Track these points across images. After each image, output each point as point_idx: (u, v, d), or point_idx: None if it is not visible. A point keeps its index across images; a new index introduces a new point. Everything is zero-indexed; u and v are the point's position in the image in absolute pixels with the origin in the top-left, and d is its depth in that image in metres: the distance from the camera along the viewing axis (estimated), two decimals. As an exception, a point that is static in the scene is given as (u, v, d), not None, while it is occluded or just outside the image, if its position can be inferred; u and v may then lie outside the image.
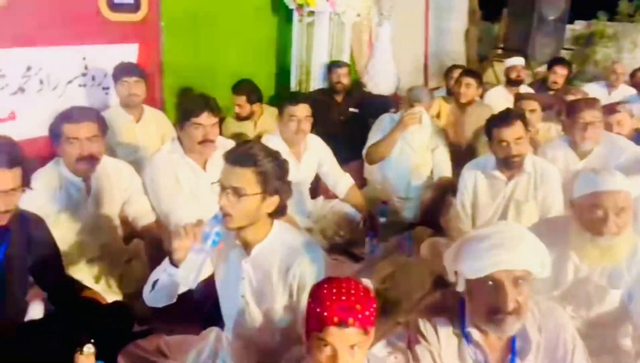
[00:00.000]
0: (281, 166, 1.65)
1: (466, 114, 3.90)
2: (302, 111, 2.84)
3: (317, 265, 1.69)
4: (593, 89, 4.81)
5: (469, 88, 3.84)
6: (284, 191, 1.66)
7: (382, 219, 3.15)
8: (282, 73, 4.81)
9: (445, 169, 3.40)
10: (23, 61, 3.02)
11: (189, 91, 4.02)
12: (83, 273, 2.25)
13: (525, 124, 2.56)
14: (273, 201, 1.64)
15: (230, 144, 2.66)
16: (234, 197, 1.57)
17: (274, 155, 1.65)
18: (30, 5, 2.94)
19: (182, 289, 1.70)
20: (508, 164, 2.55)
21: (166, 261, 1.60)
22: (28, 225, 1.82)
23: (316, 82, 4.66)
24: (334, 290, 1.34)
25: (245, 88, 3.79)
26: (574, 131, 2.79)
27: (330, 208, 3.11)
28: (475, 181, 2.64)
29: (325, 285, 1.36)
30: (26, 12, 2.91)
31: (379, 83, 5.53)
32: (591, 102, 2.87)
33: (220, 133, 2.77)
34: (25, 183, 1.68)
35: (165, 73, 3.80)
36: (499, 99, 4.49)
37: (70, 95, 3.27)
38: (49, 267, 1.90)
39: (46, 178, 2.20)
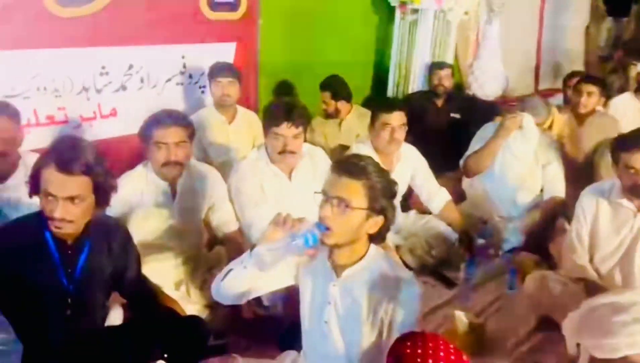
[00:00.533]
0: (390, 185, 1.51)
1: (585, 126, 3.44)
2: (397, 119, 2.62)
3: (413, 305, 1.51)
4: None
5: (590, 97, 3.38)
6: (390, 213, 1.51)
7: (481, 241, 2.86)
8: (380, 73, 4.61)
9: (558, 189, 3.02)
10: (125, 59, 3.09)
11: (283, 91, 3.97)
12: (164, 278, 2.22)
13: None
14: (377, 222, 1.49)
15: (319, 152, 2.54)
16: (338, 208, 1.44)
17: (384, 173, 1.52)
18: (134, 4, 3.00)
19: (253, 293, 1.60)
20: (637, 193, 2.16)
21: (247, 253, 1.51)
22: (110, 232, 1.80)
23: (415, 84, 4.41)
24: (419, 350, 1.14)
25: (331, 84, 3.64)
26: None
27: (423, 225, 2.88)
28: (597, 209, 2.27)
29: (409, 344, 1.17)
30: (130, 12, 2.97)
31: (484, 85, 5.15)
32: None
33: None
34: (100, 191, 1.62)
35: (261, 73, 3.76)
36: (627, 109, 3.94)
37: (168, 93, 3.32)
38: (128, 274, 1.87)
39: (134, 181, 2.20)
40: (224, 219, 2.37)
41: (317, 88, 3.72)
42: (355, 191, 1.44)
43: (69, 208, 1.55)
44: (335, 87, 3.61)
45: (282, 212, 1.49)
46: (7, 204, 2.07)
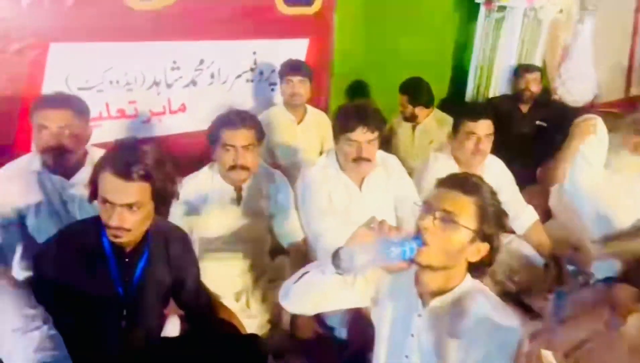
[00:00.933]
0: (501, 214, 1.35)
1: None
2: (484, 128, 2.36)
3: (509, 351, 1.29)
4: None
5: None
6: (496, 243, 1.34)
7: (571, 268, 2.55)
8: (458, 75, 4.32)
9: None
10: (197, 54, 3.01)
11: (357, 92, 3.78)
12: (225, 287, 2.11)
13: None
14: (480, 249, 1.31)
15: (392, 161, 2.33)
16: (442, 223, 1.27)
17: (497, 198, 1.35)
18: (209, -1, 2.92)
19: (324, 305, 1.43)
20: None
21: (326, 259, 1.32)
22: (170, 240, 1.69)
23: (497, 88, 4.08)
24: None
25: (410, 88, 3.39)
26: None
27: (505, 246, 2.59)
28: None
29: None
30: (202, 6, 2.88)
31: (572, 90, 4.72)
32: None
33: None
34: (159, 198, 1.51)
35: (334, 71, 3.59)
36: None
37: (238, 90, 3.22)
38: (187, 285, 1.76)
39: (199, 183, 2.09)
40: (288, 228, 2.22)
41: (392, 89, 3.50)
42: (465, 207, 1.28)
43: (126, 215, 1.45)
44: (414, 91, 3.37)
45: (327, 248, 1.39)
46: (72, 201, 2.01)
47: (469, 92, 4.15)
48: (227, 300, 2.08)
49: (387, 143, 3.52)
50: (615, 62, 5.62)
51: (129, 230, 1.48)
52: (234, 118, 2.02)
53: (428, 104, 3.39)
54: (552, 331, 2.24)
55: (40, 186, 1.97)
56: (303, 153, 3.11)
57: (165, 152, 1.53)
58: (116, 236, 1.49)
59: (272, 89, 3.37)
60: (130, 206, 1.45)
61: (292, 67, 3.02)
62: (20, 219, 1.97)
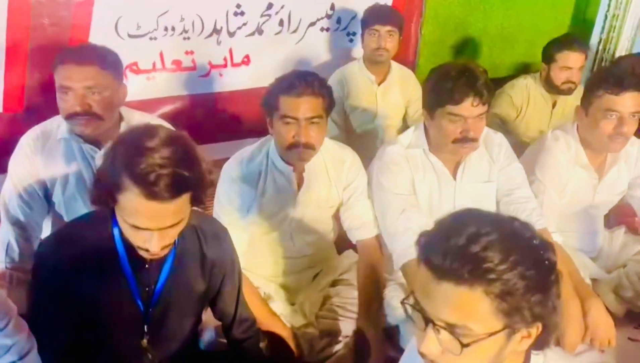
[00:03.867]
0: (545, 267, 0.81)
1: None
2: (630, 103, 1.74)
3: None
4: None
5: None
6: (551, 312, 0.83)
7: None
8: (579, 27, 3.54)
9: None
10: (265, -4, 2.57)
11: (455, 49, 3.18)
12: (273, 290, 1.75)
13: None
14: (528, 334, 0.83)
15: (498, 140, 1.81)
16: (449, 342, 0.82)
17: (531, 245, 0.80)
18: None
19: None
20: None
21: None
22: (203, 237, 1.32)
23: (631, 44, 3.29)
24: None
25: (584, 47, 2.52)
26: None
27: (637, 254, 2.02)
28: None
29: None
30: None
31: None
32: None
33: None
34: (196, 201, 1.13)
35: (425, 20, 3.00)
36: None
37: (310, 40, 2.75)
38: (225, 294, 1.41)
39: (247, 163, 1.69)
40: (358, 222, 1.78)
41: (497, 46, 2.87)
42: (474, 308, 0.77)
43: (166, 236, 1.14)
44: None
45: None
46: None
47: (592, 49, 3.40)
48: (277, 304, 1.71)
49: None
50: None
51: (168, 246, 1.16)
52: (297, 82, 1.57)
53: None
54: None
55: (67, 156, 1.66)
56: (383, 119, 2.63)
57: (183, 137, 1.12)
58: (153, 256, 1.16)
59: (351, 40, 2.87)
60: (172, 226, 1.11)
61: (380, 15, 2.49)
62: (46, 194, 1.68)
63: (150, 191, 1.03)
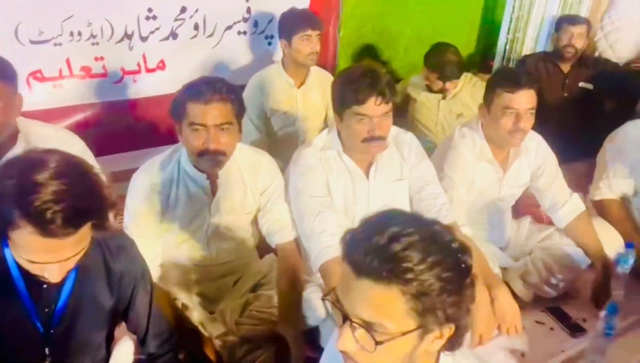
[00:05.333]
0: (461, 270, 0.82)
1: None
2: (525, 100, 1.86)
3: None
4: None
5: None
6: (464, 314, 0.85)
7: (624, 269, 2.11)
8: (488, 28, 3.73)
9: None
10: (178, 0, 2.52)
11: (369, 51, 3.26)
12: (190, 300, 1.73)
13: None
14: (441, 334, 0.85)
15: (408, 139, 1.87)
16: (364, 339, 0.84)
17: (448, 247, 0.82)
18: None
19: None
20: None
21: None
22: (108, 251, 1.27)
23: (534, 43, 3.51)
24: None
25: (437, 64, 2.83)
26: None
27: (542, 241, 2.15)
28: None
29: None
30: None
31: (617, 44, 4.12)
32: None
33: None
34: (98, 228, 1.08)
35: (343, 22, 3.05)
36: None
37: (228, 44, 2.73)
38: (135, 306, 1.36)
39: (158, 174, 1.65)
40: (276, 226, 1.79)
41: (411, 44, 2.99)
42: (390, 307, 0.79)
43: (63, 267, 1.08)
44: (444, 68, 2.81)
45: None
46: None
47: (500, 48, 3.59)
48: (196, 312, 1.69)
49: (400, 115, 3.04)
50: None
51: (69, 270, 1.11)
52: (205, 89, 1.55)
53: (460, 75, 2.87)
54: (599, 350, 1.82)
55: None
56: (304, 121, 2.65)
57: (78, 164, 1.06)
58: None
59: (270, 43, 2.88)
60: (73, 256, 1.05)
61: (310, 20, 2.50)
62: None
63: (46, 228, 0.96)
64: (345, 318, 0.82)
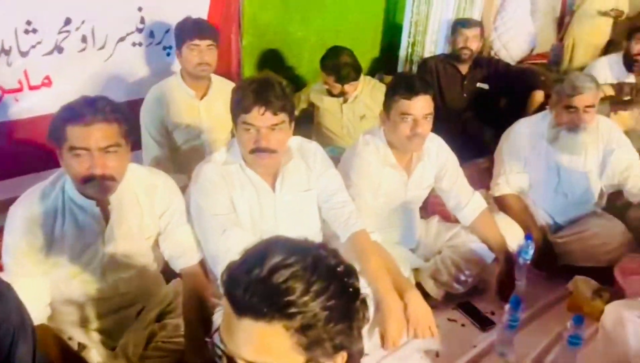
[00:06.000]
0: (350, 297, 0.79)
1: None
2: (421, 107, 1.90)
3: None
4: None
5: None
6: (355, 339, 0.81)
7: (525, 260, 2.22)
8: (391, 32, 3.82)
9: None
10: (61, 11, 2.33)
11: (271, 57, 3.21)
12: (87, 338, 1.59)
13: None
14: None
15: (313, 149, 1.84)
16: None
17: (336, 275, 0.78)
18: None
19: None
20: None
21: None
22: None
23: (434, 46, 3.64)
24: None
25: (332, 67, 2.85)
26: None
27: (450, 240, 2.20)
28: None
29: None
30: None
31: (509, 44, 4.40)
32: None
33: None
34: None
35: (245, 30, 2.99)
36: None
37: (122, 56, 2.57)
38: (17, 357, 1.22)
39: (40, 202, 1.50)
40: (180, 249, 1.69)
41: (315, 50, 2.98)
42: (274, 345, 0.74)
43: None
44: (339, 71, 2.83)
45: None
46: None
47: (403, 52, 3.69)
48: (95, 350, 1.56)
49: (308, 121, 3.03)
50: (546, 9, 5.32)
51: None
52: (86, 110, 1.42)
53: (357, 77, 2.89)
54: (506, 341, 1.90)
55: None
56: (209, 133, 2.55)
57: None
58: None
59: (168, 54, 2.75)
60: None
61: (198, 29, 2.39)
62: None
63: None
64: (230, 360, 0.76)
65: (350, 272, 0.80)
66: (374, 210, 1.99)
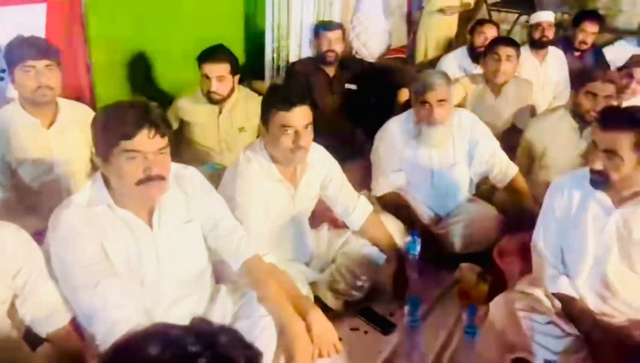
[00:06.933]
0: None
1: (502, 96, 2.97)
2: (301, 117, 1.83)
3: None
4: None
5: (509, 62, 2.89)
6: None
7: (413, 255, 2.28)
8: (254, 37, 3.72)
9: (507, 168, 2.49)
10: None
11: (129, 72, 2.94)
12: None
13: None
14: None
15: (190, 175, 1.69)
16: None
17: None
18: None
19: None
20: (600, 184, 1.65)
21: None
22: None
23: (299, 49, 3.61)
24: None
25: (225, 55, 2.63)
26: None
27: (341, 247, 2.18)
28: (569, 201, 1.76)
29: None
30: None
31: (368, 42, 4.57)
32: None
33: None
34: None
35: (93, 46, 2.68)
36: (528, 68, 3.55)
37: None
38: None
39: None
40: (44, 311, 1.43)
41: (173, 64, 2.77)
42: None
43: None
44: (231, 57, 2.62)
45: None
46: None
47: (268, 57, 3.61)
48: None
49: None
50: (396, 6, 5.63)
51: None
52: None
53: (229, 60, 2.64)
54: (410, 343, 1.91)
55: None
56: (64, 165, 2.24)
57: None
58: None
59: (1, 78, 2.37)
60: None
61: (31, 48, 2.06)
62: None
63: None
64: None
65: (256, 357, 0.68)
66: (265, 230, 1.89)
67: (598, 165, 1.60)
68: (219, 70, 2.58)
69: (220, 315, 1.66)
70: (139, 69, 3.02)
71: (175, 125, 2.77)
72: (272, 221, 1.96)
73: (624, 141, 1.55)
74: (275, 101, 1.82)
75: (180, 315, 1.56)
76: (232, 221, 1.73)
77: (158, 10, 2.99)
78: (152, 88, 3.08)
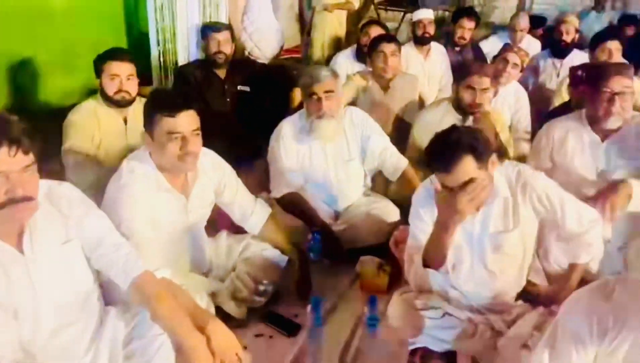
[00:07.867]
0: None
1: (391, 91, 3.07)
2: (188, 122, 1.75)
3: None
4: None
5: (395, 57, 2.99)
6: None
7: (316, 254, 2.29)
8: (137, 41, 3.54)
9: (400, 160, 2.57)
10: None
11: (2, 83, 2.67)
12: None
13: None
14: None
15: (66, 193, 1.55)
16: None
17: None
18: None
19: None
20: None
21: None
22: None
23: (187, 52, 3.49)
24: None
25: (130, 55, 2.51)
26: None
27: (242, 254, 2.13)
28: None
29: None
30: None
31: (260, 43, 4.54)
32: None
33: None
34: None
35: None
36: (413, 63, 3.71)
37: None
38: None
39: None
40: None
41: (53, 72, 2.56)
42: None
43: None
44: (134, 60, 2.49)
45: None
46: None
47: (154, 61, 3.45)
48: None
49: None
50: (287, 6, 5.67)
51: None
52: None
53: (130, 58, 2.51)
54: (314, 343, 1.91)
55: None
56: None
57: None
58: None
59: None
60: None
61: None
62: None
63: None
64: None
65: None
66: (156, 244, 1.78)
67: None
68: (128, 68, 2.46)
69: (111, 338, 1.55)
70: (12, 79, 2.74)
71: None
72: (165, 234, 1.86)
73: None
74: (159, 106, 1.73)
75: (62, 346, 1.43)
76: (117, 237, 1.61)
77: (27, 16, 2.74)
78: (26, 100, 2.82)
